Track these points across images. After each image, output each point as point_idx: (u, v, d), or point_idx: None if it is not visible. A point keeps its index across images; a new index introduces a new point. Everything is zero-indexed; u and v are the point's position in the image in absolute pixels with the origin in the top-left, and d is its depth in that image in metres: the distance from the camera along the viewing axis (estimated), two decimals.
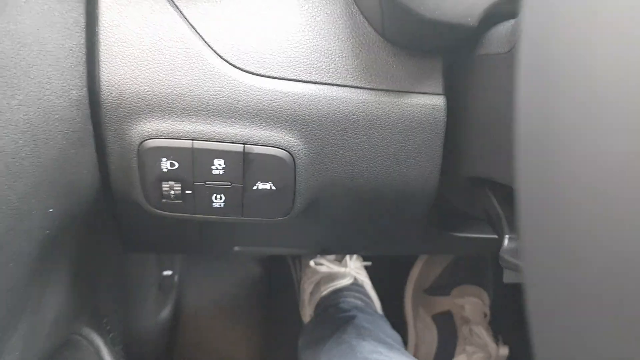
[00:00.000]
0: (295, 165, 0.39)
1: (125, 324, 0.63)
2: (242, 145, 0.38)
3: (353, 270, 0.87)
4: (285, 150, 0.39)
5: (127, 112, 0.38)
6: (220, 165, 0.39)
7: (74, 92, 0.35)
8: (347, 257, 0.90)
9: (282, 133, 0.39)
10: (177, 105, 0.38)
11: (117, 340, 0.53)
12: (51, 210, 0.35)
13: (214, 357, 0.97)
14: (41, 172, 0.33)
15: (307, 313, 0.83)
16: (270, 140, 0.39)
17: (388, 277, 0.94)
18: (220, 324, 0.99)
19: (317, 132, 0.39)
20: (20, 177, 0.31)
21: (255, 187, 0.40)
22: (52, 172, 0.34)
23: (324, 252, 0.62)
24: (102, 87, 0.37)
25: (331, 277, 0.84)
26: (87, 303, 0.49)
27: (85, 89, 0.36)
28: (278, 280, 0.98)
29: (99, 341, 0.50)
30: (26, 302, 0.36)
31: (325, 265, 0.86)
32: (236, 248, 0.56)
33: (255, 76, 0.38)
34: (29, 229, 0.33)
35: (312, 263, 0.87)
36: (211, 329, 0.98)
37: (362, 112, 0.39)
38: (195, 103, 0.38)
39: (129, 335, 0.61)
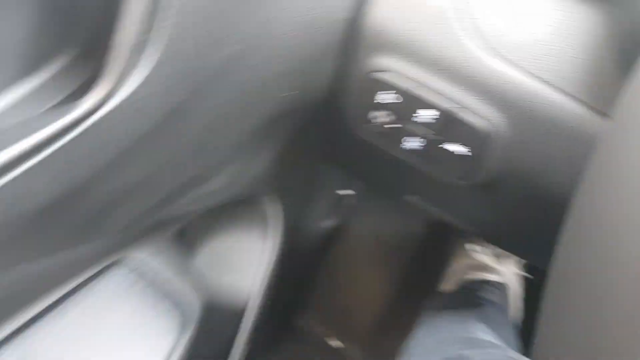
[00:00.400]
0: (494, 142, 0.42)
1: (295, 214, 0.72)
2: (458, 106, 0.42)
3: (507, 272, 0.86)
4: (493, 127, 0.42)
5: (376, 44, 0.44)
6: (430, 115, 0.43)
7: (341, 14, 0.42)
8: (507, 258, 0.89)
9: (495, 112, 0.41)
10: (418, 55, 0.43)
11: (284, 214, 0.63)
12: (296, 92, 0.44)
13: (349, 288, 1.05)
14: (299, 63, 0.41)
15: (445, 287, 0.86)
16: (483, 112, 0.42)
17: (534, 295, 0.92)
18: (368, 261, 1.06)
19: (525, 124, 0.41)
20: (285, 59, 0.39)
21: (452, 146, 0.44)
22: (303, 66, 0.42)
23: (486, 237, 0.63)
24: (368, 19, 0.43)
25: (483, 267, 0.84)
26: (275, 179, 0.58)
27: (350, 14, 0.43)
28: (433, 246, 1.01)
29: (271, 209, 0.61)
30: (235, 157, 0.46)
31: (482, 254, 0.87)
32: (407, 197, 0.61)
33: (493, 57, 0.41)
34: (272, 101, 0.42)
35: (469, 246, 0.88)
36: (358, 261, 1.06)
37: (568, 122, 0.40)
38: (434, 59, 0.42)
39: (291, 224, 0.71)
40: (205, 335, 0.51)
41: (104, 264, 0.37)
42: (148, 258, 0.40)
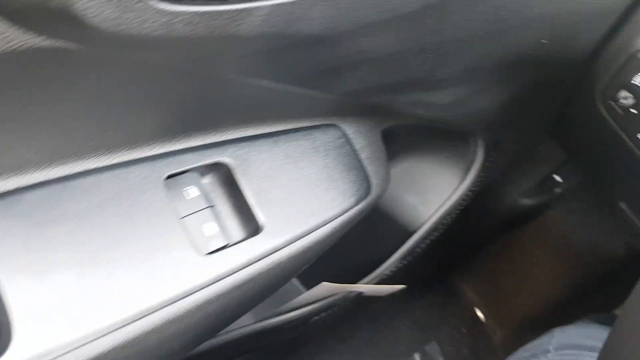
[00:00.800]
0: None
1: (499, 172, 0.72)
2: None
3: None
4: None
5: None
6: None
7: None
8: None
9: None
10: None
11: (488, 166, 0.63)
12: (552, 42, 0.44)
13: (516, 272, 1.01)
14: (572, 15, 0.43)
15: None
16: None
17: None
18: (549, 256, 1.00)
19: None
20: (558, 5, 0.40)
21: None
22: (574, 19, 0.43)
23: None
24: None
25: None
26: (494, 126, 0.58)
27: None
28: (626, 274, 0.92)
29: (479, 155, 0.61)
30: (467, 81, 0.47)
31: None
32: (621, 204, 0.56)
33: None
34: (523, 40, 0.43)
35: None
36: (538, 252, 1.00)
37: None
38: None
39: (491, 181, 0.70)
40: (370, 230, 0.55)
41: (324, 121, 0.43)
42: (359, 133, 0.45)
